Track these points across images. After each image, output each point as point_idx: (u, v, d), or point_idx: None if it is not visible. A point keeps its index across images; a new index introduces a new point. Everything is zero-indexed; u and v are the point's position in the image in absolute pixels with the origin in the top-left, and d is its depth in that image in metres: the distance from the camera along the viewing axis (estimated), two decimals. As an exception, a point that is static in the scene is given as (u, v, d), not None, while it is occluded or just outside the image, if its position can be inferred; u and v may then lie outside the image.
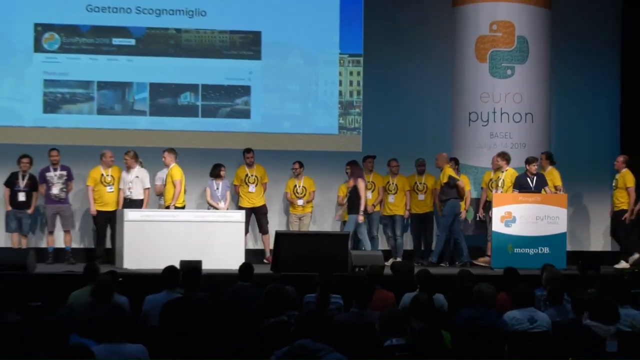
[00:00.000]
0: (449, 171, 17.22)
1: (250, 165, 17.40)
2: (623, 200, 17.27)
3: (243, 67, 18.40)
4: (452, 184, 17.19)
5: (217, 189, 16.92)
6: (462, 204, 17.55)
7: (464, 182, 17.51)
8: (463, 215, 17.59)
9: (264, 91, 18.51)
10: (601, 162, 18.26)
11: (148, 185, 16.92)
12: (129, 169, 16.85)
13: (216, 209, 16.73)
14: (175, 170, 16.40)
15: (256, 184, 17.38)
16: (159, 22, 18.16)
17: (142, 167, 16.96)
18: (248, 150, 17.41)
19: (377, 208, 17.89)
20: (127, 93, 18.14)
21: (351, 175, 17.01)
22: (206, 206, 17.11)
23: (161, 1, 18.13)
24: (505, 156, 17.23)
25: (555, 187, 17.03)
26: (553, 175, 17.15)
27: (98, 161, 16.97)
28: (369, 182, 17.76)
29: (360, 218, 16.91)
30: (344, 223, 17.66)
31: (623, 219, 17.28)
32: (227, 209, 16.84)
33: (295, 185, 17.72)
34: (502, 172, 17.08)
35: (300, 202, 17.75)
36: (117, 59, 18.05)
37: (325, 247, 15.14)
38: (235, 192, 17.61)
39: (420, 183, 17.99)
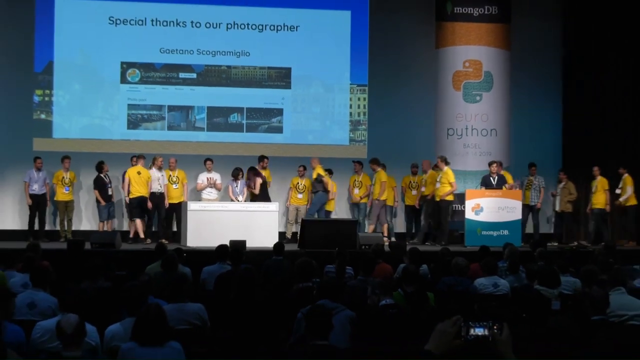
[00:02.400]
0: (319, 170, 17.06)
1: (264, 169, 17.19)
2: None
3: (277, 95, 18.38)
4: (319, 180, 17.08)
5: (237, 187, 16.70)
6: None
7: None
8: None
9: (293, 112, 18.49)
10: (547, 165, 18.19)
11: (166, 182, 16.82)
12: (158, 170, 16.74)
13: (232, 201, 16.56)
14: (130, 170, 16.49)
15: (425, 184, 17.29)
16: (214, 61, 18.18)
17: (161, 170, 16.82)
18: (267, 157, 17.26)
19: (365, 200, 17.69)
20: (190, 114, 18.15)
21: (254, 176, 16.83)
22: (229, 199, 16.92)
23: (216, 45, 18.13)
24: (376, 162, 17.28)
25: (450, 183, 16.80)
26: (448, 174, 16.81)
27: (167, 166, 16.97)
28: (358, 181, 17.69)
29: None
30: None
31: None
32: (244, 201, 16.61)
33: (298, 183, 17.52)
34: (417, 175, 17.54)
35: (300, 196, 17.54)
36: (182, 88, 18.07)
37: (339, 230, 15.10)
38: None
39: (414, 181, 17.91)
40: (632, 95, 18.49)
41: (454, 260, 9.82)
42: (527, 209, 17.50)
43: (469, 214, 16.40)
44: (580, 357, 5.51)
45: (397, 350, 6.20)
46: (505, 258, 11.17)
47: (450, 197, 16.93)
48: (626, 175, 17.25)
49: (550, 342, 5.28)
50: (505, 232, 16.21)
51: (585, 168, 17.86)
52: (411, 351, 5.31)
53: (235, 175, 16.71)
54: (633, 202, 17.24)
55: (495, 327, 3.57)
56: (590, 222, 17.76)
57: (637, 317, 7.75)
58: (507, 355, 3.54)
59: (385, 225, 17.32)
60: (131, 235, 16.44)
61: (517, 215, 16.45)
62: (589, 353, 5.13)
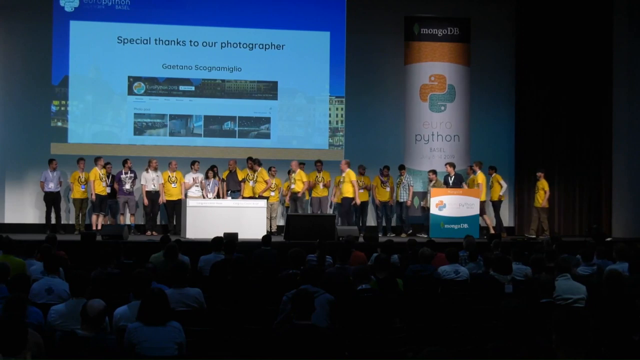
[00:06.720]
0: (240, 174, 17.11)
1: (251, 169, 17.15)
2: (349, 190, 16.90)
3: (265, 105, 18.37)
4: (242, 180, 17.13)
5: (209, 184, 16.61)
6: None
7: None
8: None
9: (279, 120, 18.47)
10: (502, 166, 18.25)
11: (161, 182, 16.78)
12: (154, 171, 16.75)
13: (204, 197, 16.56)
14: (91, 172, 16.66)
15: (255, 181, 17.17)
16: (210, 75, 18.15)
17: (156, 171, 16.82)
18: (253, 160, 17.15)
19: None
20: (189, 122, 18.11)
21: (214, 177, 16.77)
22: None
23: (211, 61, 18.11)
24: (300, 164, 17.29)
25: (266, 181, 16.89)
26: (262, 174, 16.90)
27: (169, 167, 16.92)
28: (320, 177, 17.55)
29: None
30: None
31: (352, 204, 17.05)
32: (214, 197, 16.42)
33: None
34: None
35: (273, 194, 17.21)
36: (182, 99, 18.03)
37: (319, 223, 15.16)
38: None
39: (384, 182, 17.81)
40: (574, 105, 18.80)
41: (420, 250, 9.85)
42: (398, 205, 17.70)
43: (434, 210, 16.53)
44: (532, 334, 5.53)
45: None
46: (465, 248, 11.22)
47: (266, 193, 16.93)
48: (495, 174, 17.64)
49: (502, 320, 5.29)
50: (465, 225, 16.30)
51: (533, 167, 18.08)
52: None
53: (209, 174, 16.71)
54: (495, 198, 17.65)
55: None
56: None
57: (580, 300, 7.82)
58: None
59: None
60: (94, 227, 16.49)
61: (475, 210, 16.55)
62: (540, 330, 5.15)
